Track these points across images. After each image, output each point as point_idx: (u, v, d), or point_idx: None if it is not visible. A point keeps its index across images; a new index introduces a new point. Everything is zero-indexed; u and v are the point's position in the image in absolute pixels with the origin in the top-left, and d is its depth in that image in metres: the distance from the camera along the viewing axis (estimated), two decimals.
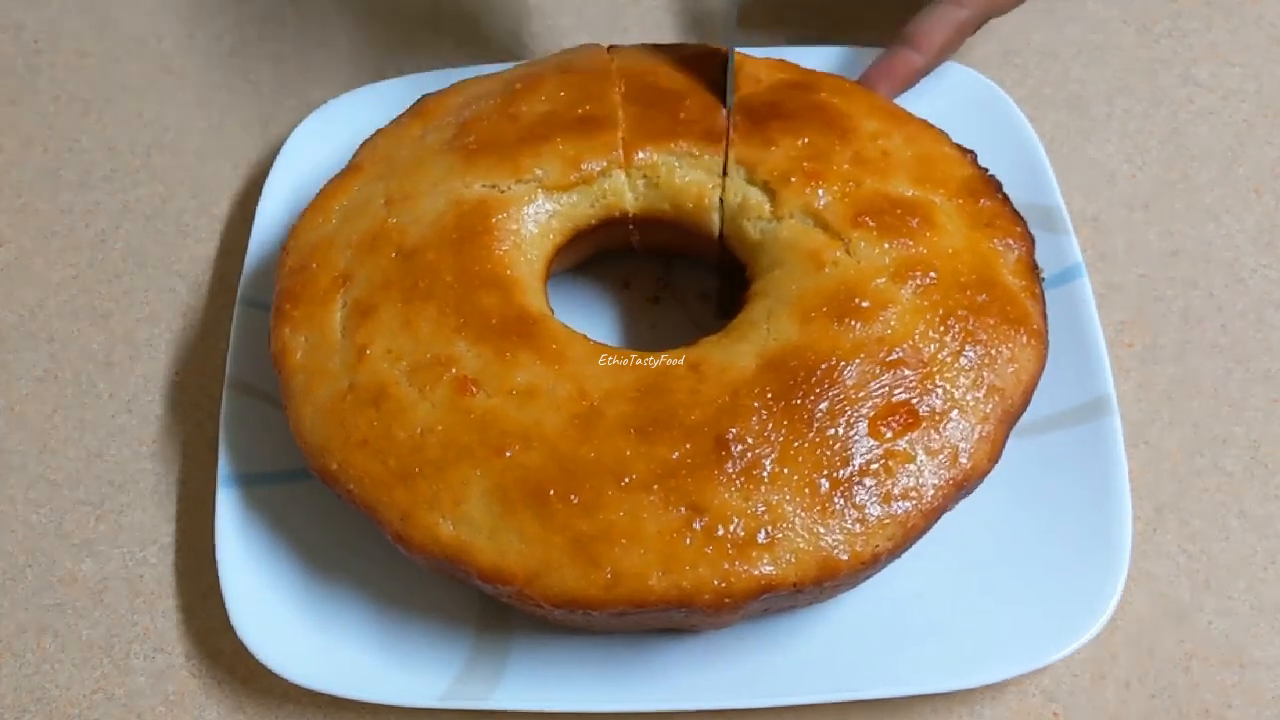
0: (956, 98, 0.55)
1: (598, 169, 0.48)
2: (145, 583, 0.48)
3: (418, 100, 0.52)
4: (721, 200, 0.47)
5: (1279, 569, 0.47)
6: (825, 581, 0.39)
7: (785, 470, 0.39)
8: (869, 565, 0.39)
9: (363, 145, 0.50)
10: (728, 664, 0.43)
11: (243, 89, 0.62)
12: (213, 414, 0.52)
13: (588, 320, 0.52)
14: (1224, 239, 0.55)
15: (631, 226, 0.49)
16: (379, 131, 0.51)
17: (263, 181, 0.58)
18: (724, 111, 0.48)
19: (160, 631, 0.47)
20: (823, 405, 0.40)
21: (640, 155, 0.48)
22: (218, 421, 0.51)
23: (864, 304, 0.43)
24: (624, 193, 0.48)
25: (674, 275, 0.53)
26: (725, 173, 0.47)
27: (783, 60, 0.52)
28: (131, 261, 0.57)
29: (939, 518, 0.41)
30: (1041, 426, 0.47)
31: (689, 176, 0.48)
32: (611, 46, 0.53)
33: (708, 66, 0.51)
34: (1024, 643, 0.42)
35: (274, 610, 0.45)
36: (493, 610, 0.45)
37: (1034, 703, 0.44)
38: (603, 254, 0.52)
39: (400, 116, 0.51)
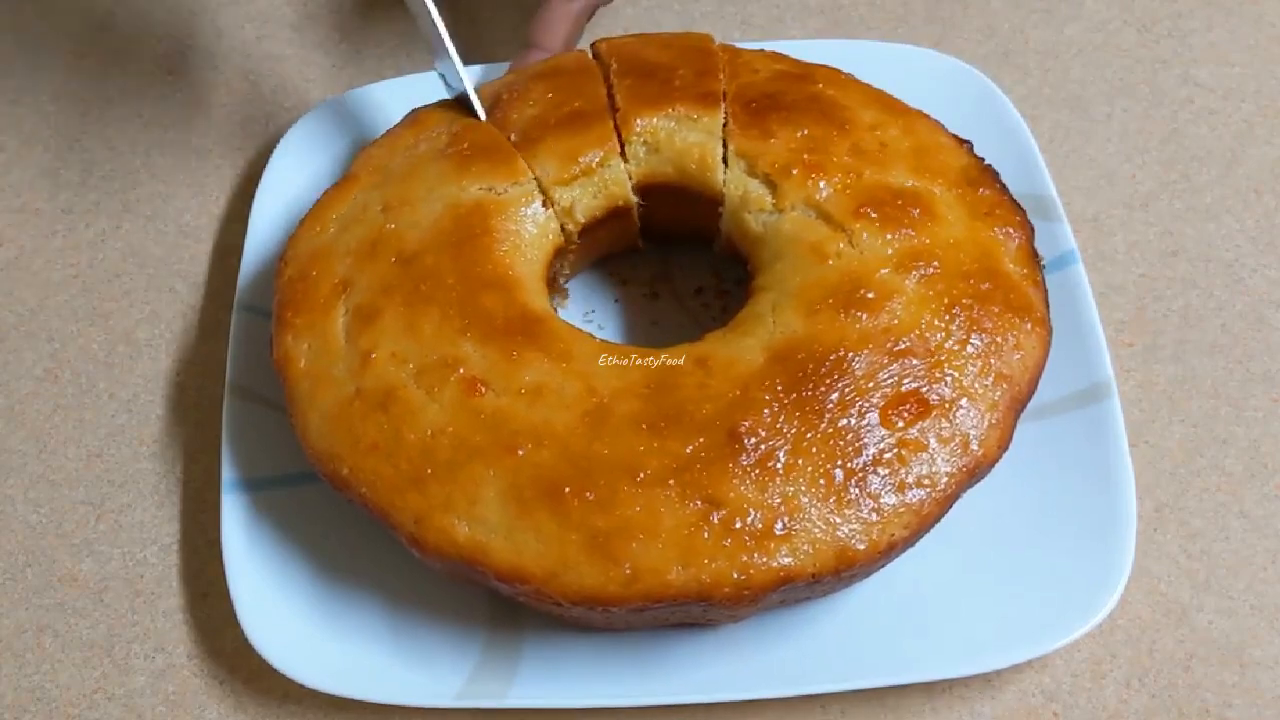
0: (945, 90, 0.55)
1: (595, 160, 0.48)
2: (145, 583, 0.48)
3: (409, 113, 0.52)
4: (725, 161, 0.48)
5: (1279, 569, 0.47)
6: (843, 571, 0.39)
7: (799, 461, 0.40)
8: (885, 554, 0.40)
9: (357, 156, 0.51)
10: (740, 656, 0.43)
11: (242, 89, 0.62)
12: (213, 415, 0.52)
13: (588, 318, 0.52)
14: (1224, 239, 0.55)
15: (637, 199, 0.49)
16: (373, 142, 0.51)
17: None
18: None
19: (160, 631, 0.47)
20: (833, 396, 0.41)
21: (639, 123, 0.48)
22: (218, 422, 0.51)
23: (869, 295, 0.43)
24: (624, 180, 0.48)
25: (671, 271, 0.53)
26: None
27: (776, 52, 0.52)
28: (131, 261, 0.57)
29: (952, 505, 0.41)
30: (1043, 412, 0.47)
31: (690, 138, 0.48)
32: (596, 41, 0.53)
33: (694, 47, 0.51)
34: (1040, 624, 0.43)
35: (284, 614, 0.45)
36: (503, 607, 0.45)
37: (1034, 702, 0.44)
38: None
39: (393, 128, 0.52)
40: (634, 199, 0.49)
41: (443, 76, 0.52)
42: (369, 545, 0.46)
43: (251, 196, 0.58)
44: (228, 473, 0.47)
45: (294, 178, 0.56)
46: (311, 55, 0.63)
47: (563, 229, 0.48)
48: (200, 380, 0.53)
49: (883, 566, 0.41)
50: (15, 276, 0.57)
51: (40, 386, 0.53)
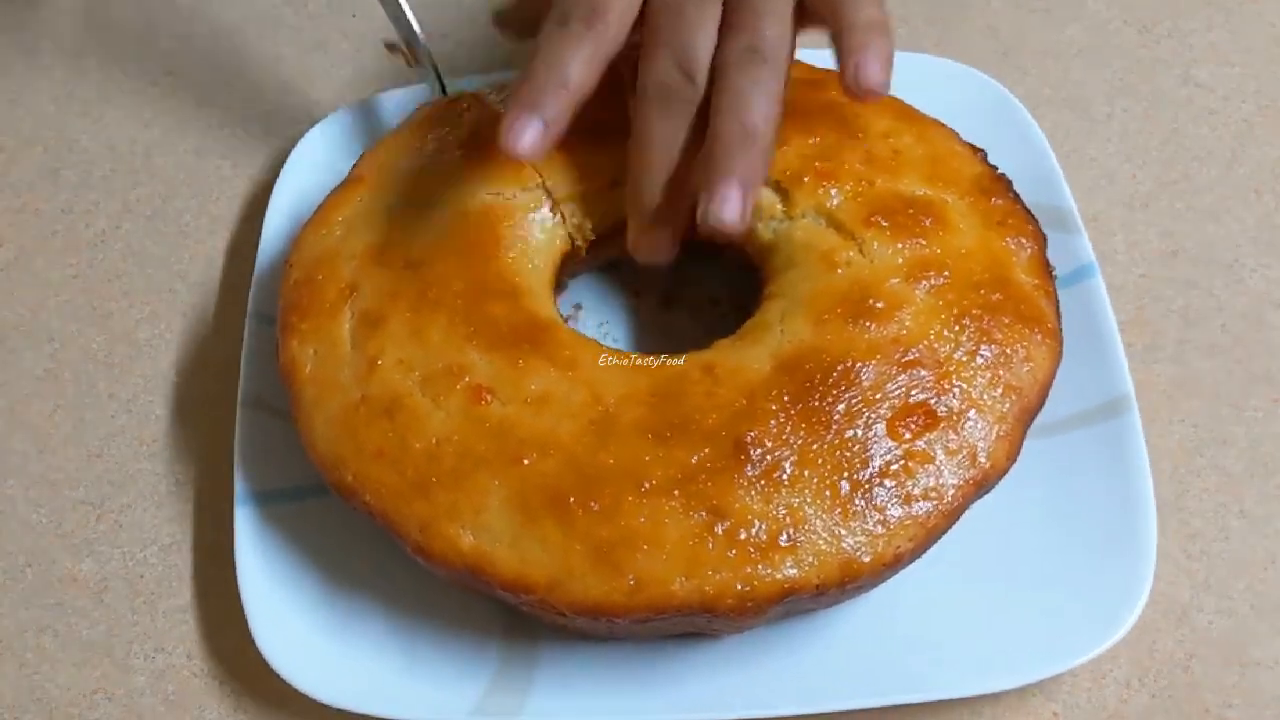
0: (963, 100, 0.54)
1: (608, 179, 0.47)
2: (145, 583, 0.48)
3: (414, 111, 0.52)
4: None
5: (1279, 569, 0.47)
6: (848, 583, 0.39)
7: (805, 472, 0.39)
8: (891, 566, 0.39)
9: (363, 157, 0.50)
10: (753, 669, 0.43)
11: (242, 88, 0.62)
12: (213, 416, 0.52)
13: (602, 329, 0.51)
14: (1224, 239, 0.55)
15: None
16: (379, 143, 0.51)
17: (263, 181, 0.58)
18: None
19: (160, 631, 0.47)
20: (840, 407, 0.40)
21: None
22: (220, 423, 0.51)
23: (878, 304, 0.42)
24: None
25: (685, 282, 0.53)
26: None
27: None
28: (131, 261, 0.57)
29: (959, 517, 0.40)
30: (1060, 427, 0.46)
31: None
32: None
33: None
34: (1056, 643, 0.42)
35: (298, 629, 0.44)
36: (518, 621, 0.45)
37: (1033, 702, 0.44)
38: (614, 260, 0.52)
39: (399, 127, 0.51)
40: None
41: (430, 81, 0.52)
42: (383, 559, 0.46)
43: (252, 195, 0.58)
44: (240, 485, 0.47)
45: (307, 189, 0.55)
46: (311, 55, 0.63)
47: (572, 242, 0.48)
48: (202, 381, 0.53)
49: (888, 579, 0.41)
50: (15, 276, 0.57)
51: (40, 386, 0.53)
